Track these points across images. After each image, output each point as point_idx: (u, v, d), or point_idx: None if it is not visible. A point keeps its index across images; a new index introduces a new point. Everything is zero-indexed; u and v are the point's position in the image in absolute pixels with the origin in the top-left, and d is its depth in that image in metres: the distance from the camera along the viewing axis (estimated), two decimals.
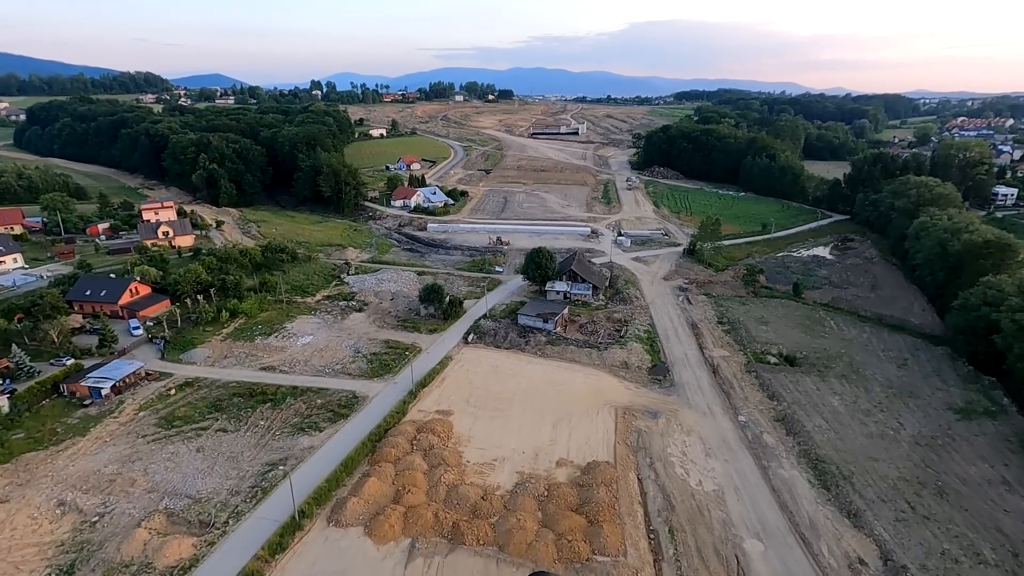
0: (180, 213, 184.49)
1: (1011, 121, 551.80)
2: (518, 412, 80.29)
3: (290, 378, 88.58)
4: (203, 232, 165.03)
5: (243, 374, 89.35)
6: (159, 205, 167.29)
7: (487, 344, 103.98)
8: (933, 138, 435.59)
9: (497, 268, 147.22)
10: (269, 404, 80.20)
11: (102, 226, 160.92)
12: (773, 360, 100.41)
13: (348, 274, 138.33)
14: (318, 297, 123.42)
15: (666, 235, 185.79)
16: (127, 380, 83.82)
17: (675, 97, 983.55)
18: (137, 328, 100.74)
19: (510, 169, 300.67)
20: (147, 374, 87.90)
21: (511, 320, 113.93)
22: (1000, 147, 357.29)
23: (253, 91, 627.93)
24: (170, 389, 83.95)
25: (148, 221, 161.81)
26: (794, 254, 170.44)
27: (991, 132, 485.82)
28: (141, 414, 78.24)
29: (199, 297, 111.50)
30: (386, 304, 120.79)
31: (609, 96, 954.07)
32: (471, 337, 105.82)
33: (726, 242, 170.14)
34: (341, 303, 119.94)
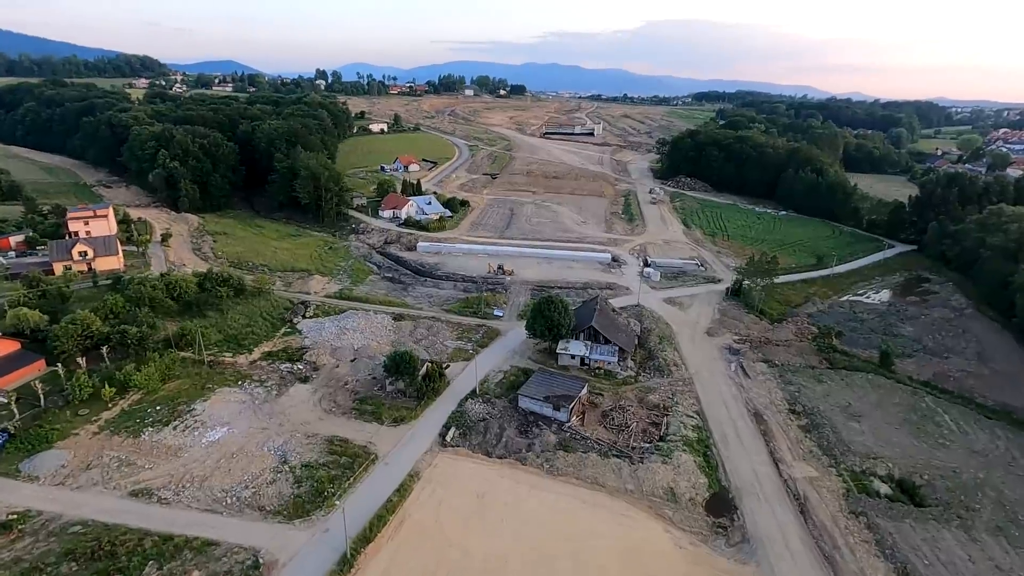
0: (124, 222, 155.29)
1: None
2: None
3: (168, 516, 58.58)
4: (140, 250, 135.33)
5: (101, 504, 59.59)
6: (91, 213, 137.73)
7: (473, 448, 73.57)
8: (982, 153, 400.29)
9: (496, 311, 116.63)
10: None
11: (15, 239, 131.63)
12: (884, 490, 69.42)
13: (304, 316, 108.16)
14: (255, 355, 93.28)
15: (702, 266, 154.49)
16: None
17: (694, 98, 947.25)
18: None
19: (519, 174, 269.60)
20: None
21: (509, 402, 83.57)
22: None
23: (253, 79, 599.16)
24: None
25: (74, 234, 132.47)
26: (863, 299, 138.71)
27: None
28: None
29: (81, 359, 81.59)
30: (343, 369, 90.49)
31: (625, 95, 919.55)
32: (451, 434, 75.43)
33: (777, 279, 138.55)
34: (284, 366, 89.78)
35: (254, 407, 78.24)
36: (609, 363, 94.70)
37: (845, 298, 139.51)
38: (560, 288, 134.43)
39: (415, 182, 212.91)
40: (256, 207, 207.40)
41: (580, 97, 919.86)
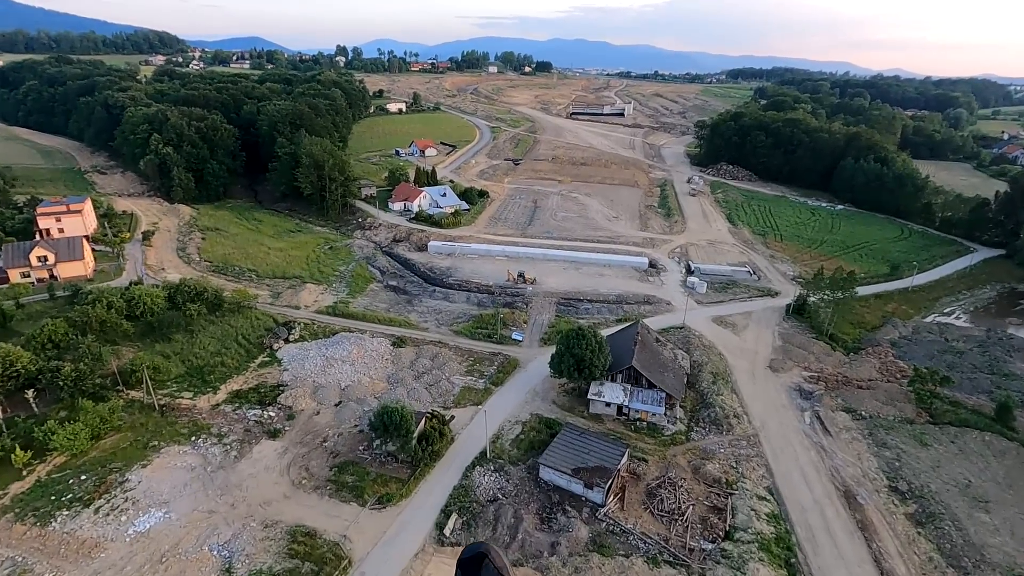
0: (107, 215, 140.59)
1: None
2: None
3: None
4: (115, 251, 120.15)
5: None
6: (63, 209, 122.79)
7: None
8: None
9: (514, 334, 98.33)
10: None
11: None
12: None
13: (287, 340, 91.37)
14: (221, 395, 76.95)
15: (754, 274, 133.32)
16: None
17: (728, 75, 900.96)
18: None
19: (543, 160, 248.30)
20: None
21: (528, 471, 65.77)
22: None
23: (271, 56, 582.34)
24: None
25: (45, 233, 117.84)
26: (954, 320, 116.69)
27: None
28: None
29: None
30: (325, 417, 73.59)
31: (656, 72, 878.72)
32: (452, 524, 57.98)
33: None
34: (252, 412, 73.24)
35: (205, 476, 61.84)
36: (654, 414, 75.85)
37: (930, 318, 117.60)
38: (590, 301, 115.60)
39: (430, 170, 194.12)
40: (260, 196, 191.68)
41: (608, 74, 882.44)
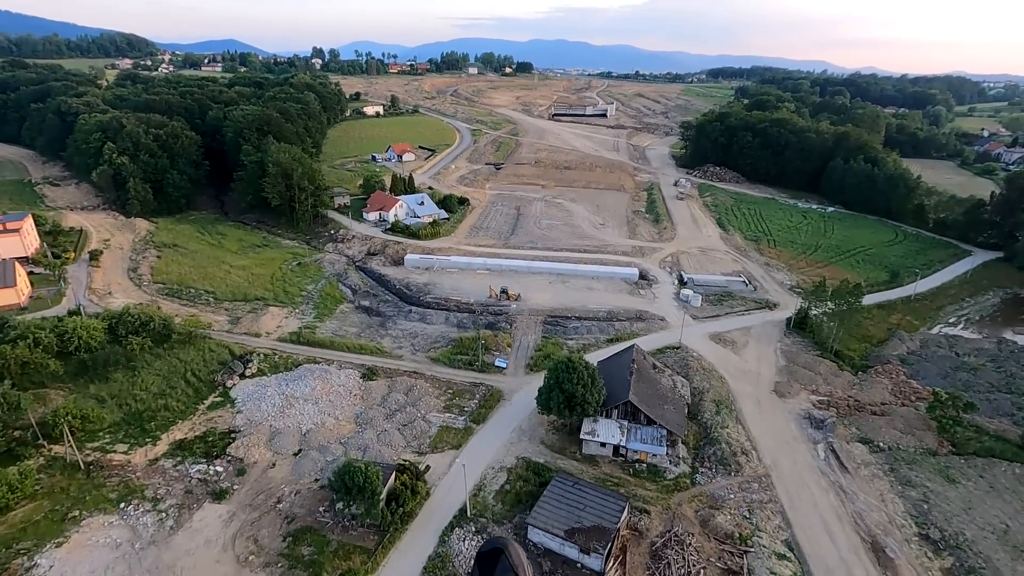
0: (53, 233, 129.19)
1: None
2: None
3: None
4: (56, 273, 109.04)
5: None
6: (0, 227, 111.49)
7: None
8: None
9: (498, 361, 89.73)
10: None
11: None
12: None
13: (243, 375, 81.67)
14: (162, 446, 67.15)
15: (749, 284, 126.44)
16: None
17: (709, 74, 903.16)
18: None
19: (526, 164, 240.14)
20: None
21: (515, 531, 57.26)
22: None
23: (245, 58, 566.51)
24: None
25: None
26: (962, 332, 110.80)
27: None
28: None
29: None
30: (280, 471, 64.26)
31: (637, 72, 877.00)
32: None
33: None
34: (196, 468, 63.58)
35: (132, 556, 52.26)
36: (654, 455, 67.75)
37: (937, 329, 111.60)
38: (579, 319, 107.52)
39: (407, 177, 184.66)
40: (226, 207, 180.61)
41: (589, 75, 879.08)
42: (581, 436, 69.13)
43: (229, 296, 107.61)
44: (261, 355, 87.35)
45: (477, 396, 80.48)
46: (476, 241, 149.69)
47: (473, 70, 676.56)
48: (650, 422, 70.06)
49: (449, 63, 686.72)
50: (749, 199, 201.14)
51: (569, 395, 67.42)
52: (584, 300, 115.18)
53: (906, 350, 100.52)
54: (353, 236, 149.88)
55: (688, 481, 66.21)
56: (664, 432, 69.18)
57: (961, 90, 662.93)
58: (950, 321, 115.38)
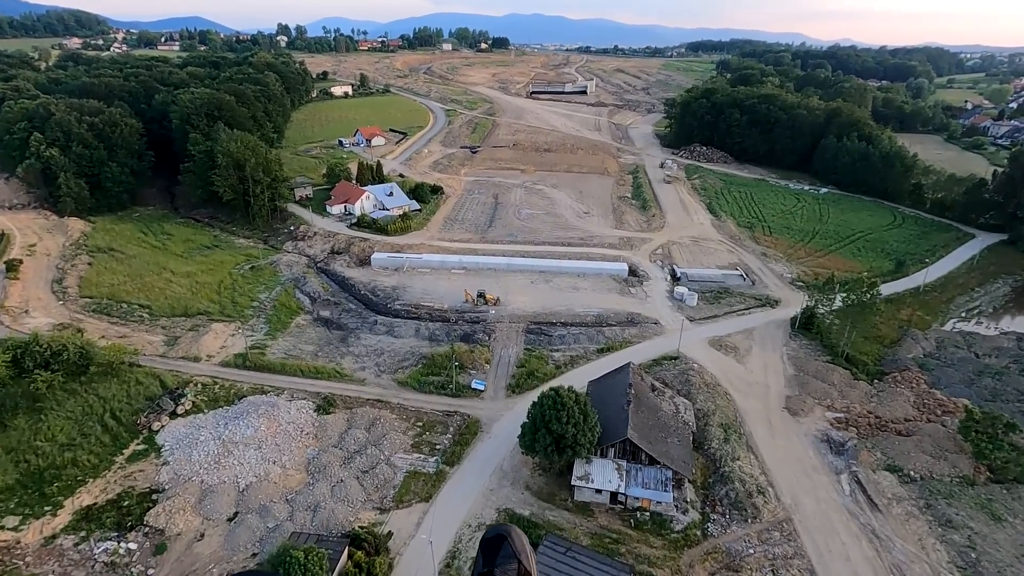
0: None
1: None
2: None
3: None
4: None
5: None
6: None
7: None
8: (1012, 104, 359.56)
9: (475, 382, 78.75)
10: None
11: None
12: None
13: (174, 414, 69.43)
14: (62, 518, 55.10)
15: (746, 278, 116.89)
16: None
17: (688, 48, 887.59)
18: None
19: (504, 147, 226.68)
20: None
21: None
22: None
23: (204, 36, 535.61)
24: None
25: None
26: (976, 327, 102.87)
27: None
28: None
29: None
30: (211, 544, 52.85)
31: (616, 46, 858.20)
32: None
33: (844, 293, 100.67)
34: (103, 547, 51.84)
35: None
36: (660, 503, 57.77)
37: (950, 325, 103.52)
38: (565, 325, 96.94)
39: (374, 164, 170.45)
40: (177, 202, 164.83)
41: (568, 50, 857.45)
42: (573, 482, 58.83)
43: (167, 311, 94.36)
44: (198, 385, 75.03)
45: (451, 429, 69.58)
46: (451, 235, 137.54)
47: (447, 46, 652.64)
48: (652, 461, 59.98)
49: (422, 39, 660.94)
50: (739, 181, 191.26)
51: (558, 436, 56.86)
52: (570, 302, 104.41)
53: (922, 352, 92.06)
54: (315, 233, 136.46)
55: (699, 533, 56.50)
56: (669, 474, 59.20)
57: (939, 61, 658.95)
58: (962, 315, 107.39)
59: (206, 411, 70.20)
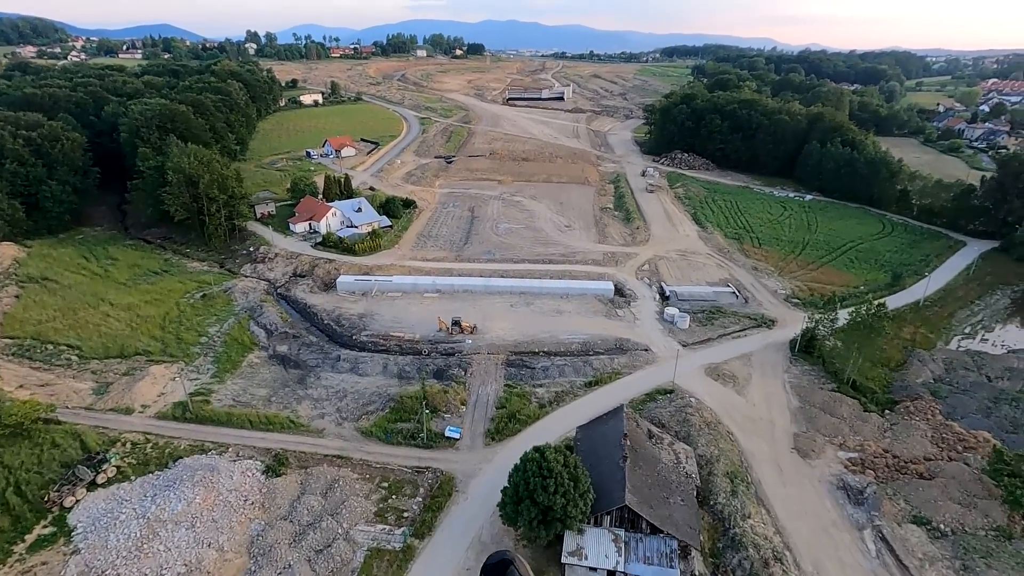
0: None
1: None
2: None
3: None
4: None
5: None
6: None
7: None
8: (984, 107, 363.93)
9: (449, 429, 69.75)
10: None
11: None
12: None
13: (93, 485, 59.02)
14: None
15: (739, 295, 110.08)
16: None
17: (663, 53, 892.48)
18: None
19: (480, 156, 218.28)
20: None
21: None
22: None
23: (169, 44, 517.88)
24: None
25: None
26: (981, 345, 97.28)
27: None
28: None
29: None
30: None
31: (592, 52, 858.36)
32: None
33: (846, 310, 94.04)
34: None
35: None
36: None
37: (955, 343, 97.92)
38: (548, 355, 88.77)
39: (342, 178, 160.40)
40: (128, 221, 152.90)
41: (543, 56, 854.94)
42: (563, 560, 50.20)
43: (100, 351, 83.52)
44: (127, 445, 64.70)
45: (421, 490, 60.48)
46: (424, 254, 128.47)
47: (422, 53, 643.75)
48: (654, 530, 51.76)
49: (396, 46, 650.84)
50: (723, 188, 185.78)
51: (544, 508, 48.29)
52: (553, 328, 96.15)
53: (931, 375, 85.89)
54: (276, 254, 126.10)
55: None
56: (674, 544, 51.01)
57: (907, 65, 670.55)
58: (965, 331, 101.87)
59: (133, 478, 59.96)
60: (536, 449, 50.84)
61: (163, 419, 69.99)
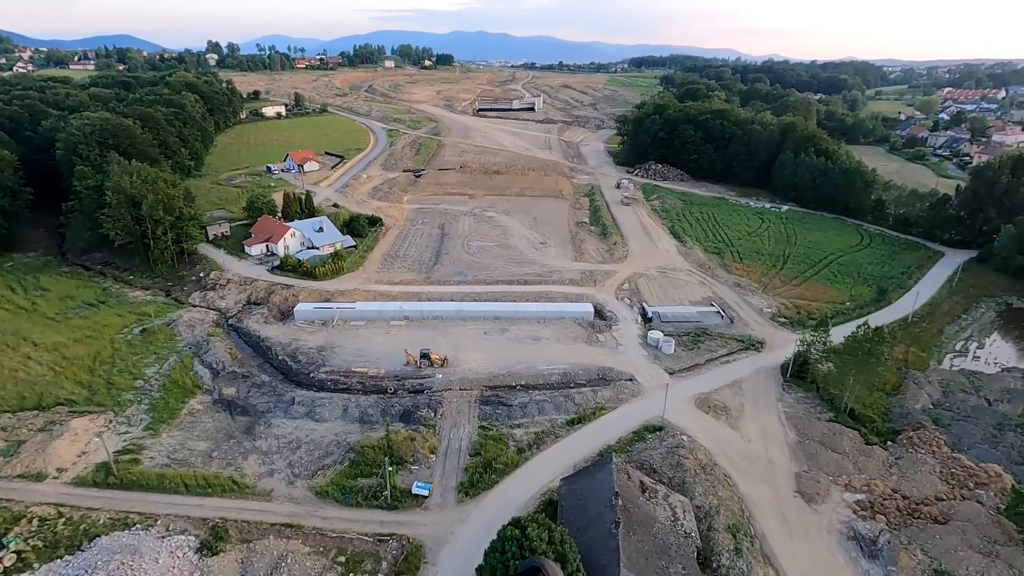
0: None
1: (1003, 93, 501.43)
2: None
3: None
4: None
5: None
6: None
7: None
8: (943, 115, 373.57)
9: (416, 486, 61.64)
10: None
11: None
12: None
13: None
14: None
15: (723, 315, 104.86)
16: None
17: (631, 64, 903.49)
18: None
19: (450, 169, 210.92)
20: None
21: None
22: None
23: (124, 54, 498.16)
24: None
25: None
26: (974, 363, 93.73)
27: (992, 105, 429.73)
28: None
29: None
30: None
31: (561, 62, 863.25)
32: None
33: (837, 327, 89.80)
34: None
35: None
36: None
37: (947, 362, 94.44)
38: (526, 389, 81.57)
39: (303, 195, 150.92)
40: (67, 245, 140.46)
41: (513, 66, 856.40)
42: None
43: (14, 403, 72.77)
44: (34, 522, 54.81)
45: (384, 564, 52.25)
46: (390, 276, 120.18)
47: (390, 63, 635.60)
48: None
49: (364, 56, 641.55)
50: (699, 200, 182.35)
51: None
52: (530, 357, 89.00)
53: (929, 400, 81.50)
54: (229, 280, 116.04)
55: None
56: None
57: (866, 74, 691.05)
58: (956, 348, 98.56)
59: (36, 567, 50.25)
60: (515, 524, 43.27)
61: (82, 485, 60.14)
